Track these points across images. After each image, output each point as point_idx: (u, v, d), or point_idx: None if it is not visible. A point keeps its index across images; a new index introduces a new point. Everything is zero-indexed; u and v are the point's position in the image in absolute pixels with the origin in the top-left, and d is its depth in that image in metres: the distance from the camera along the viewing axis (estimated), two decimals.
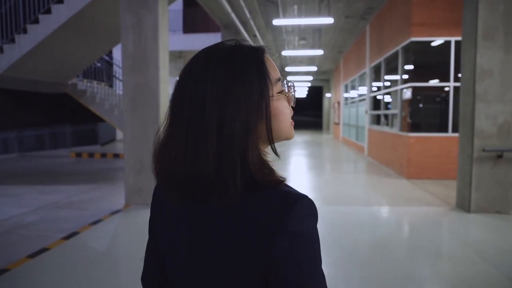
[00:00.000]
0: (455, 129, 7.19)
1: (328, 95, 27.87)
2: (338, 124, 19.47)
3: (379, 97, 10.39)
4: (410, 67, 7.55)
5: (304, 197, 0.59)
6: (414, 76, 7.33)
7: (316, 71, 22.30)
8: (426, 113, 7.70)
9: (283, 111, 0.65)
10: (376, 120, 10.99)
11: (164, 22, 5.23)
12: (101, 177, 8.18)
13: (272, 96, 0.63)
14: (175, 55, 16.71)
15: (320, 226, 0.60)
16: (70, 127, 13.24)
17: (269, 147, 0.65)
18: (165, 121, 0.65)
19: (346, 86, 16.96)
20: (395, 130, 8.38)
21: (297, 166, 9.89)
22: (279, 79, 0.66)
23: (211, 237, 0.61)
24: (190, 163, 0.59)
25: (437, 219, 4.76)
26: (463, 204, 4.94)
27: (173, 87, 0.65)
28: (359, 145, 13.18)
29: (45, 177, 8.37)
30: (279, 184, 0.61)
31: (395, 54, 8.40)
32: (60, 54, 7.69)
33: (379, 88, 10.53)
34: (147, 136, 5.12)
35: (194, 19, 16.56)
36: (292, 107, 0.69)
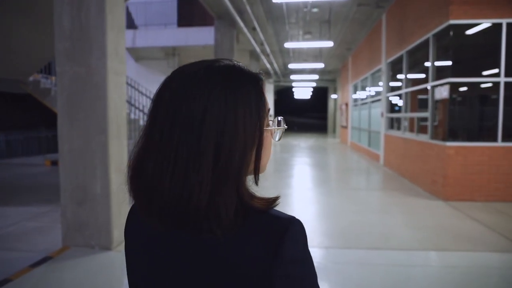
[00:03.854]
0: (506, 137, 5.61)
1: (333, 96, 26.28)
2: (345, 127, 17.87)
3: (392, 97, 8.81)
4: (446, 58, 5.98)
5: (294, 221, 0.57)
6: (451, 69, 5.75)
7: (321, 70, 20.72)
8: (468, 117, 6.12)
9: (269, 144, 0.64)
10: (394, 124, 9.41)
11: None
12: None
13: (266, 126, 0.61)
14: (168, 52, 15.08)
15: None
16: (45, 131, 11.73)
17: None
18: (143, 139, 0.59)
19: (355, 86, 15.39)
20: (424, 137, 6.79)
21: (301, 180, 8.30)
22: (268, 111, 0.64)
23: (200, 271, 0.57)
24: (178, 191, 0.54)
25: None
26: None
27: (156, 101, 0.58)
28: (372, 152, 11.59)
29: (1, 193, 6.88)
30: (268, 209, 0.58)
31: (424, 44, 6.82)
32: (6, 42, 6.17)
33: (398, 87, 8.96)
34: (91, 151, 3.58)
35: (190, 11, 14.97)
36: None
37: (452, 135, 5.81)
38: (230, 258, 0.55)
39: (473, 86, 6.05)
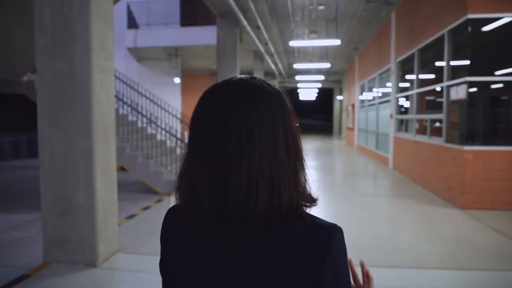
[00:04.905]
0: None
1: (339, 97, 25.84)
2: (352, 129, 17.44)
3: (402, 98, 8.39)
4: (462, 56, 5.56)
5: (337, 228, 0.62)
6: (469, 68, 5.34)
7: (327, 71, 20.30)
8: (487, 118, 5.70)
9: None
10: (401, 126, 8.99)
11: None
12: None
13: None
14: (171, 52, 14.74)
15: None
16: None
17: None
18: (202, 153, 0.61)
19: (362, 87, 14.96)
20: (438, 140, 6.37)
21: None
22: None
23: (251, 277, 0.60)
24: (259, 204, 0.57)
25: None
26: None
27: (215, 119, 0.61)
28: (380, 155, 11.16)
29: None
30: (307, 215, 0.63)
31: (438, 41, 6.41)
32: (3, 42, 5.86)
33: (407, 88, 8.54)
34: (74, 157, 3.22)
35: (193, 10, 14.60)
36: None
37: (470, 138, 5.40)
38: (283, 262, 0.58)
39: (493, 85, 5.63)
